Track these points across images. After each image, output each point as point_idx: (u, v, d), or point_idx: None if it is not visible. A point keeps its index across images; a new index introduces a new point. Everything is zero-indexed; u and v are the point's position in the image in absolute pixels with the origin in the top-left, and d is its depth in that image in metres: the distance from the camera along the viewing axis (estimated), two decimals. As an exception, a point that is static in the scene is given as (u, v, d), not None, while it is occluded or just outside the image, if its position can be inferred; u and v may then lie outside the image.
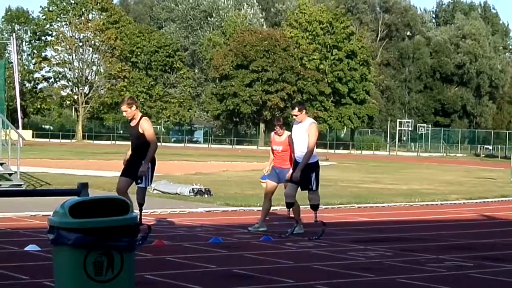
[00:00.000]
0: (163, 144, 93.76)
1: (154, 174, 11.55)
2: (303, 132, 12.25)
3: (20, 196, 10.29)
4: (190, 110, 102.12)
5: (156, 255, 10.08)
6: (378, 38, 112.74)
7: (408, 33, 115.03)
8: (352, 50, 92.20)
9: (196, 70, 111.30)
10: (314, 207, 12.43)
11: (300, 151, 12.26)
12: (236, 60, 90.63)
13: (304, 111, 12.40)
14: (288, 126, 13.51)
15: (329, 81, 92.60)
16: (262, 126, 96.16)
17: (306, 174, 12.17)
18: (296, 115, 12.37)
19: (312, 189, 12.23)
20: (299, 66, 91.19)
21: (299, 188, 12.45)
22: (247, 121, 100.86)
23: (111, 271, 5.18)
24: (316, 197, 12.36)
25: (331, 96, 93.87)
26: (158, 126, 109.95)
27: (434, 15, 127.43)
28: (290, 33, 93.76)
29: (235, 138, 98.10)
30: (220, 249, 10.83)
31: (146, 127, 11.26)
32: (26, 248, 10.16)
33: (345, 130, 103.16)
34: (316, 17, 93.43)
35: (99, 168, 31.07)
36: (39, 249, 10.10)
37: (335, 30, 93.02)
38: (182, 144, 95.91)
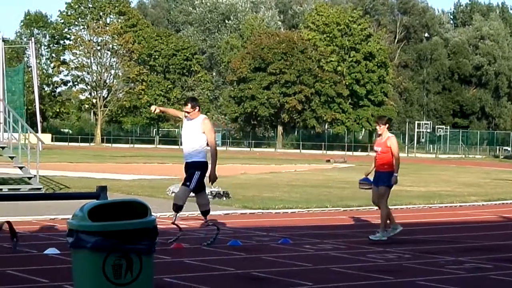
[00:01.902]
0: (181, 147, 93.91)
1: None
2: (196, 130, 11.52)
3: (39, 199, 10.34)
4: (208, 113, 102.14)
5: (174, 257, 10.09)
6: (396, 40, 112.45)
7: (426, 34, 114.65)
8: (370, 52, 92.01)
9: (214, 73, 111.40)
10: (205, 213, 11.72)
11: (192, 148, 11.54)
12: (254, 63, 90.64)
13: (198, 108, 11.64)
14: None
15: (347, 83, 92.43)
16: (280, 128, 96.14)
17: (191, 170, 11.50)
18: (188, 112, 11.57)
19: (189, 187, 11.39)
20: (317, 68, 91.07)
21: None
22: (265, 123, 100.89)
23: (130, 274, 5.20)
24: (205, 201, 11.65)
25: (349, 98, 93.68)
26: (176, 129, 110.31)
27: (452, 16, 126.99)
28: (308, 35, 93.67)
29: (253, 141, 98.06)
30: (238, 251, 10.84)
31: None
32: (45, 252, 10.20)
33: (363, 132, 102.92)
34: (334, 19, 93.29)
35: (118, 171, 31.15)
36: (59, 252, 10.14)
37: (353, 32, 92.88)
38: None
